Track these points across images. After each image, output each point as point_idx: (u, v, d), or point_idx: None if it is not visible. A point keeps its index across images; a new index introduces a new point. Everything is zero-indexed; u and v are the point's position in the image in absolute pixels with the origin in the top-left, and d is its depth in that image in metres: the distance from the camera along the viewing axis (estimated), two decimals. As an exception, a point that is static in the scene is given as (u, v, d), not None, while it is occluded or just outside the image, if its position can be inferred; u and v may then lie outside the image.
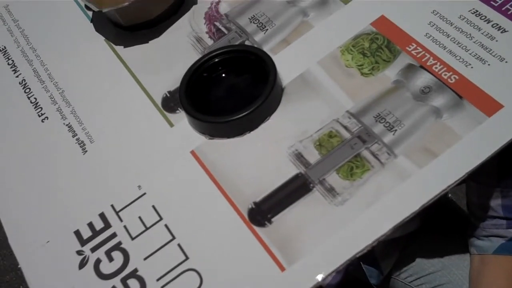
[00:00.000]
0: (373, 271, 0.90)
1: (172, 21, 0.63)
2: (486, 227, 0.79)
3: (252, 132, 0.53)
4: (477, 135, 0.48)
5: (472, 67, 0.51)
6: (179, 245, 0.50)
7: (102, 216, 0.53)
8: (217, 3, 0.62)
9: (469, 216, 0.78)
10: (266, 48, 0.58)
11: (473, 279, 0.80)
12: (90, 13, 0.65)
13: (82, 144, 0.58)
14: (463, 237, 0.83)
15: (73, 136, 0.59)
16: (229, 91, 0.57)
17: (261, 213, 0.49)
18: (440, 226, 0.86)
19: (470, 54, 0.51)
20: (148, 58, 0.62)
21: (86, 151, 0.57)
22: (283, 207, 0.49)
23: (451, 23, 0.54)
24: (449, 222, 0.84)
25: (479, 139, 0.48)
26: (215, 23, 0.61)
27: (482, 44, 0.52)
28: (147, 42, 0.63)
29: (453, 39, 0.53)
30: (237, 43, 0.59)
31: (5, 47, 0.68)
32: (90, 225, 0.53)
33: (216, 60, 0.57)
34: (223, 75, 0.57)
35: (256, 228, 0.49)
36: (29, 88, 0.63)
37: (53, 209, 0.55)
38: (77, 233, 0.53)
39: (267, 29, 0.59)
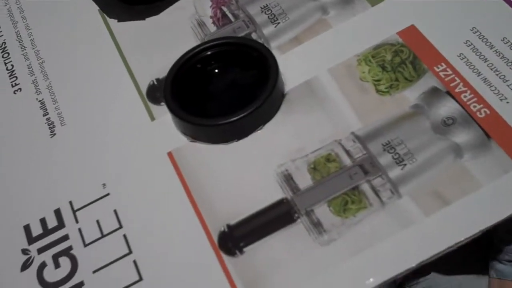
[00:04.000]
0: None
1: (175, -1, 0.55)
2: (510, 251, 0.74)
3: (240, 141, 0.46)
4: (501, 186, 0.40)
5: (508, 102, 0.42)
6: (134, 262, 0.43)
7: (58, 212, 0.46)
8: (229, -16, 0.54)
9: (493, 237, 0.73)
10: (274, 45, 0.50)
11: None
12: (88, -22, 0.57)
13: (51, 126, 0.51)
14: (484, 256, 0.77)
15: (44, 115, 0.51)
16: (223, 88, 0.49)
17: (233, 240, 0.42)
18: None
19: (508, 86, 0.43)
20: (141, 37, 0.54)
21: (55, 134, 0.50)
22: (259, 236, 0.42)
23: (492, 45, 0.45)
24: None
25: (503, 191, 0.40)
26: (222, 7, 0.53)
27: (524, 77, 0.43)
28: (144, 19, 0.55)
29: (490, 64, 0.44)
30: (242, 34, 0.51)
31: (-9, 3, 0.61)
32: (43, 221, 0.46)
33: (213, 51, 0.49)
34: (219, 69, 0.49)
35: (224, 256, 0.41)
36: (8, 53, 0.56)
37: (4, 195, 0.48)
38: (27, 228, 0.46)
39: (279, 22, 0.51)
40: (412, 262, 0.38)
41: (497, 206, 0.39)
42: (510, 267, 0.76)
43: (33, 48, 0.56)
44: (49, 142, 0.50)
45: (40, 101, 0.52)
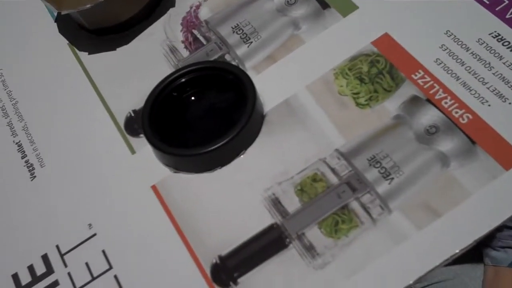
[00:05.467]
0: None
1: (144, 26, 0.54)
2: (503, 238, 0.75)
3: (223, 168, 0.45)
4: (491, 192, 0.39)
5: (489, 105, 0.42)
6: (128, 302, 0.42)
7: (45, 258, 0.45)
8: (197, 7, 0.54)
9: None
10: (248, 65, 0.49)
11: None
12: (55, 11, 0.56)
13: (31, 168, 0.49)
14: (478, 245, 0.77)
15: (22, 158, 0.50)
16: (202, 115, 0.48)
17: (226, 271, 0.41)
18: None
19: (488, 88, 0.42)
20: (114, 69, 0.53)
21: (35, 176, 0.49)
22: (252, 265, 0.41)
23: (467, 47, 0.44)
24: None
25: (493, 197, 0.39)
26: (193, 30, 0.53)
27: (503, 77, 0.43)
28: (115, 49, 0.54)
29: (468, 68, 0.44)
30: (216, 56, 0.50)
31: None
32: (31, 268, 0.45)
33: (187, 78, 0.48)
34: (196, 96, 0.48)
35: (219, 289, 0.40)
36: (-21, 97, 0.55)
37: (-11, 245, 0.47)
38: (15, 277, 0.45)
39: (251, 42, 0.50)
40: (409, 279, 0.38)
41: (489, 213, 0.38)
42: (504, 253, 0.76)
43: (5, 89, 0.55)
44: (30, 186, 0.49)
45: (17, 143, 0.51)
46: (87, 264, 0.44)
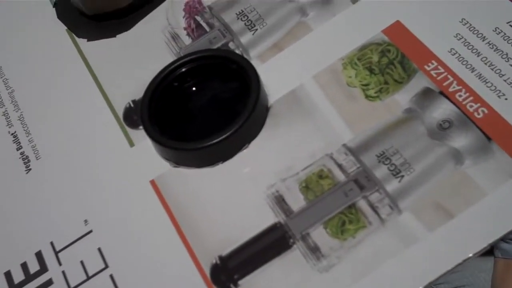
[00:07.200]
0: None
1: (146, 12, 0.52)
2: None
3: (225, 163, 0.43)
4: (507, 192, 0.37)
5: (506, 99, 0.39)
6: (124, 304, 0.40)
7: (39, 255, 0.43)
8: (201, -8, 0.51)
9: None
10: (253, 54, 0.47)
11: (495, 284, 0.75)
12: (54, -4, 0.54)
13: (26, 160, 0.48)
14: None
15: (18, 149, 0.48)
16: (203, 106, 0.46)
17: (227, 272, 0.39)
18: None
19: (505, 80, 0.40)
20: (113, 56, 0.51)
21: (30, 169, 0.47)
22: (254, 267, 0.39)
23: (484, 37, 0.42)
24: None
25: (509, 198, 0.37)
26: (196, 17, 0.50)
27: (522, 69, 0.40)
28: (115, 36, 0.52)
29: (484, 58, 0.41)
30: (219, 44, 0.48)
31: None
32: (24, 266, 0.43)
33: (188, 67, 0.46)
34: (197, 86, 0.46)
35: (219, 291, 0.38)
36: (-26, 85, 0.53)
37: (-18, 241, 0.45)
38: (8, 275, 0.43)
39: (256, 29, 0.48)
40: (419, 283, 0.35)
41: (504, 215, 0.36)
42: (514, 245, 0.74)
43: (1, 78, 0.53)
44: (24, 179, 0.47)
45: (12, 134, 0.49)
46: (82, 262, 0.42)
